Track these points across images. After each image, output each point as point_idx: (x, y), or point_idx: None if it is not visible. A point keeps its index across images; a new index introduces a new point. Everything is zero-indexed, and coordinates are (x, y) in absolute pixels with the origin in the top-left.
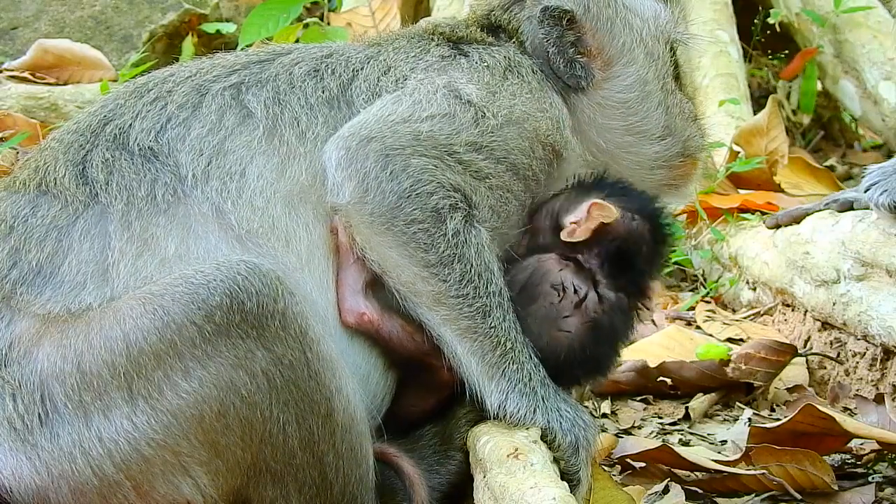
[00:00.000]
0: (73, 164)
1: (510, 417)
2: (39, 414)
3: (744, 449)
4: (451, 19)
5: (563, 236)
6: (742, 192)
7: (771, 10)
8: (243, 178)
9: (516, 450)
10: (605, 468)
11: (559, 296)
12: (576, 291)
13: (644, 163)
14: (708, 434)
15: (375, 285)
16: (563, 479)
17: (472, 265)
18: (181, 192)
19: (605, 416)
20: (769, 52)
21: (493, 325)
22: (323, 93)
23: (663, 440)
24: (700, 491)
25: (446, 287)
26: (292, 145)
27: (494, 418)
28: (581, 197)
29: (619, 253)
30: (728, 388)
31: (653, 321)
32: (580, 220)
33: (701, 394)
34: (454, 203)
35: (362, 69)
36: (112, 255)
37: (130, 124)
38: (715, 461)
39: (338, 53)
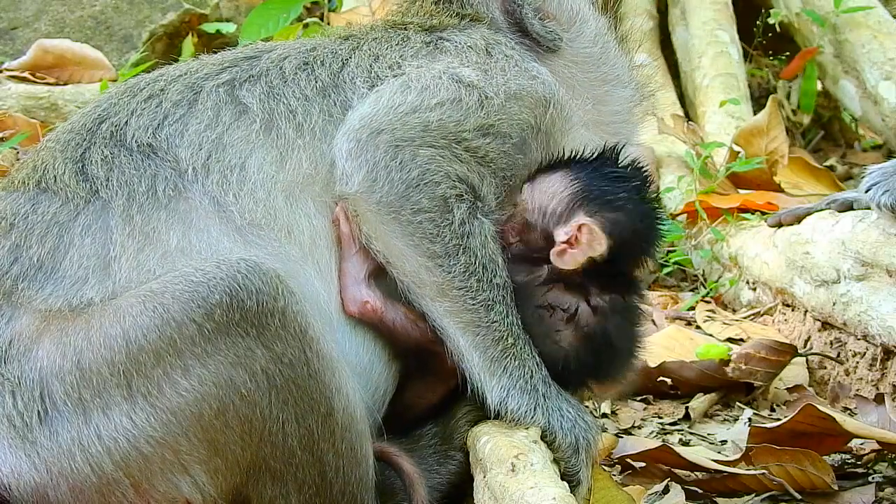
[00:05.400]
0: (72, 162)
1: (511, 415)
2: (39, 411)
3: (744, 449)
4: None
5: (553, 260)
6: (742, 192)
7: (771, 11)
8: (243, 171)
9: (517, 455)
10: (605, 468)
11: (549, 313)
12: (565, 309)
13: (623, 109)
14: (708, 434)
15: (378, 275)
16: (563, 479)
17: (476, 257)
18: (181, 187)
19: (605, 416)
20: (769, 52)
21: (495, 319)
22: (316, 83)
23: (663, 440)
24: (700, 491)
25: (450, 278)
26: (290, 137)
27: (495, 415)
28: (573, 205)
29: (611, 265)
30: (728, 388)
31: (653, 321)
32: (571, 243)
33: (701, 394)
34: (460, 193)
35: (350, 58)
36: (114, 250)
37: (126, 122)
38: (715, 461)
39: (321, 46)
